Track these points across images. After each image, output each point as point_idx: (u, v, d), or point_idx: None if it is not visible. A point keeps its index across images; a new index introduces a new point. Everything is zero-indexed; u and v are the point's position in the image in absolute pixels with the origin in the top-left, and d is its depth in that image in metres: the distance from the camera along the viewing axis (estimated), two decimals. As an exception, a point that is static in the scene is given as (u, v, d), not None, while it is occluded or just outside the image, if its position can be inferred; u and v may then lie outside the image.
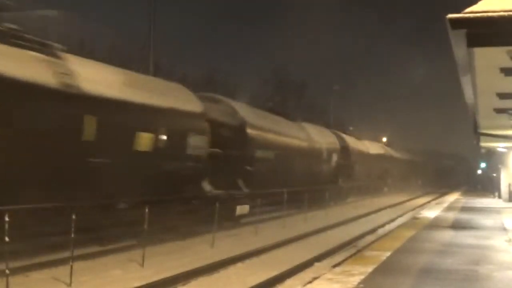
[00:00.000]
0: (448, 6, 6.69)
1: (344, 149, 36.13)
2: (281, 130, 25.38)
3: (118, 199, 13.91)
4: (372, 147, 47.35)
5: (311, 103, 60.15)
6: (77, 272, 10.56)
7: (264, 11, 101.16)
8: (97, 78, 13.42)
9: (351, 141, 39.43)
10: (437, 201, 38.36)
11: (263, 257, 14.47)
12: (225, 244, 15.92)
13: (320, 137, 31.45)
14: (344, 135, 38.82)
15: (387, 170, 50.32)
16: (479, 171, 60.04)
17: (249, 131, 21.12)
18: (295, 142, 26.69)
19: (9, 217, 9.25)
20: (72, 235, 10.48)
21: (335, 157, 33.59)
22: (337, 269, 9.64)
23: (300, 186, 24.90)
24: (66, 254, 11.02)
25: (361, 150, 41.99)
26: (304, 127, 30.03)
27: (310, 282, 8.94)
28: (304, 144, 28.01)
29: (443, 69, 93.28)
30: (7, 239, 9.23)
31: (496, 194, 36.58)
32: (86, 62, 14.08)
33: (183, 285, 10.91)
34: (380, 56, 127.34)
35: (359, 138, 45.11)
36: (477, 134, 19.87)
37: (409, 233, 14.75)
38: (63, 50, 13.20)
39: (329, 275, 8.90)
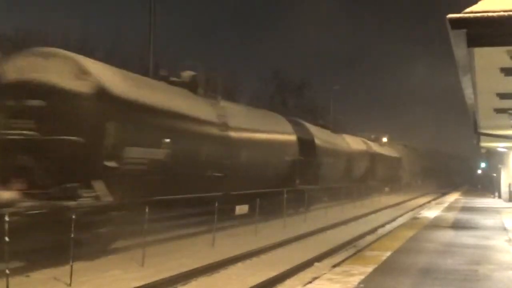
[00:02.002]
0: (448, 6, 6.69)
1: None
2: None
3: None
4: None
5: (311, 103, 60.16)
6: (77, 272, 10.56)
7: (264, 11, 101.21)
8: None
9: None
10: (437, 201, 38.36)
11: (263, 257, 14.49)
12: (225, 244, 15.91)
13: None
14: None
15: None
16: (479, 171, 60.00)
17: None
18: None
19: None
20: (72, 235, 10.49)
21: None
22: (337, 269, 9.63)
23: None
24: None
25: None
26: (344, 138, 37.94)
27: (310, 282, 8.91)
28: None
29: (443, 69, 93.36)
30: (7, 239, 9.23)
31: (496, 194, 36.60)
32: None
33: (183, 285, 10.91)
34: (380, 56, 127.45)
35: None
36: (477, 134, 19.88)
37: (409, 233, 14.75)
38: None
39: (329, 275, 8.90)
